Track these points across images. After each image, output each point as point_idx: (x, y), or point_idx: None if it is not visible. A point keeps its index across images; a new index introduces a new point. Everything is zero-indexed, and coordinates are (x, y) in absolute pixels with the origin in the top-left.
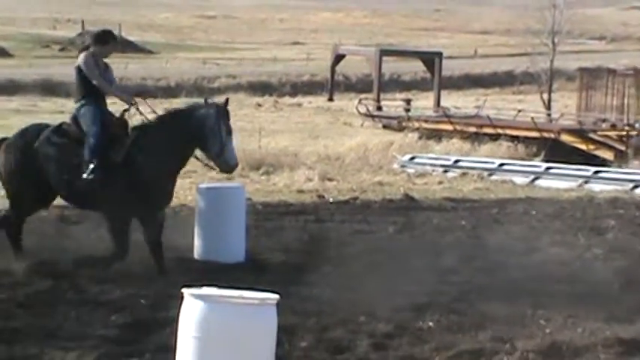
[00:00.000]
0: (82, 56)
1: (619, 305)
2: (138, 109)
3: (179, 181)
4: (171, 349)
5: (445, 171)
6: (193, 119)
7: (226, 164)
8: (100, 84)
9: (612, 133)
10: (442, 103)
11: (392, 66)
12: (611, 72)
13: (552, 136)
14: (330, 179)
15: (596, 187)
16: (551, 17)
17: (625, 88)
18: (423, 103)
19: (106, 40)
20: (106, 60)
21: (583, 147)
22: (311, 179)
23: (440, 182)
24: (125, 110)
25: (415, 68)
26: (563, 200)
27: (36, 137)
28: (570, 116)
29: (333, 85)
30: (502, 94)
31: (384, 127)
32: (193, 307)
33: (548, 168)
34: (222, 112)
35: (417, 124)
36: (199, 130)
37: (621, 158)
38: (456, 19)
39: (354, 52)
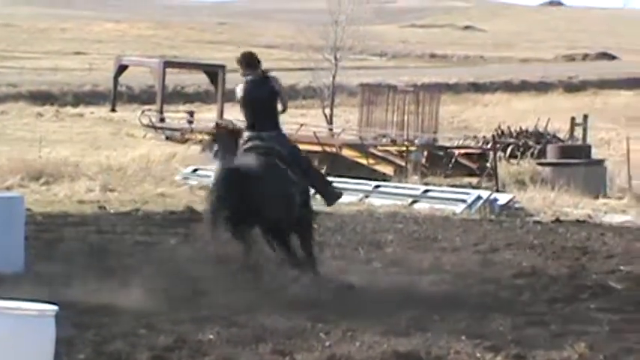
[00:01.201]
0: (276, 79)
1: (396, 319)
2: None
3: None
4: None
5: None
6: None
7: None
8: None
9: (392, 149)
10: (225, 116)
11: (176, 78)
12: (392, 88)
13: (334, 150)
14: (111, 190)
15: (376, 201)
16: (333, 33)
17: (405, 104)
18: (207, 115)
19: None
20: None
21: (364, 161)
22: (92, 190)
23: None
24: None
25: (199, 81)
26: (344, 214)
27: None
28: (352, 131)
29: (115, 96)
30: None
31: (167, 138)
32: None
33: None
34: None
35: (199, 136)
36: None
37: (401, 173)
38: (241, 33)
39: (138, 63)
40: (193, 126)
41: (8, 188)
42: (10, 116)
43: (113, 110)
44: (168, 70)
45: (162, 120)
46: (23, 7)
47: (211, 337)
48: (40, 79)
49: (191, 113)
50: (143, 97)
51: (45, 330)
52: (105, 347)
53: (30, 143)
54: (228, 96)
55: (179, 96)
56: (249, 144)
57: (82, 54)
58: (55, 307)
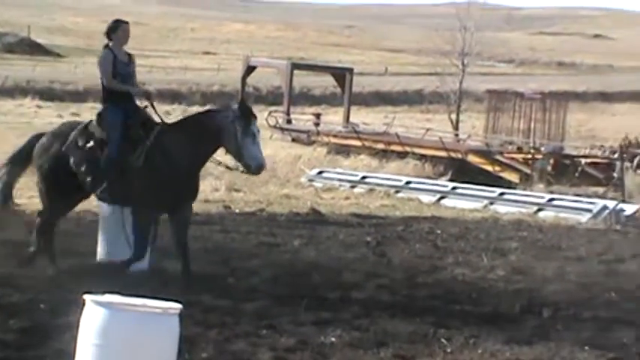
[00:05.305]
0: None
1: (519, 327)
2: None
3: None
4: (71, 356)
5: (352, 186)
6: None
7: (247, 166)
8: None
9: (518, 156)
10: (351, 119)
11: (302, 80)
12: (519, 95)
13: (459, 156)
14: (236, 190)
15: (501, 208)
16: (461, 39)
17: (532, 111)
18: (333, 118)
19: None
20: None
21: (489, 168)
22: (218, 189)
23: (347, 198)
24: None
25: (325, 83)
26: (468, 220)
27: (66, 139)
28: (477, 137)
29: (243, 97)
30: (411, 112)
31: (293, 140)
32: (94, 314)
33: (455, 188)
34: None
35: (325, 139)
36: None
37: (526, 181)
38: (368, 37)
39: (266, 65)
40: (320, 128)
41: None
42: None
43: None
44: (295, 71)
45: (289, 122)
46: (153, 6)
47: (333, 339)
48: (169, 78)
49: (318, 115)
50: (270, 98)
51: (169, 327)
52: (227, 346)
53: None
54: (355, 99)
55: (305, 98)
56: None
57: (211, 54)
58: (179, 305)
